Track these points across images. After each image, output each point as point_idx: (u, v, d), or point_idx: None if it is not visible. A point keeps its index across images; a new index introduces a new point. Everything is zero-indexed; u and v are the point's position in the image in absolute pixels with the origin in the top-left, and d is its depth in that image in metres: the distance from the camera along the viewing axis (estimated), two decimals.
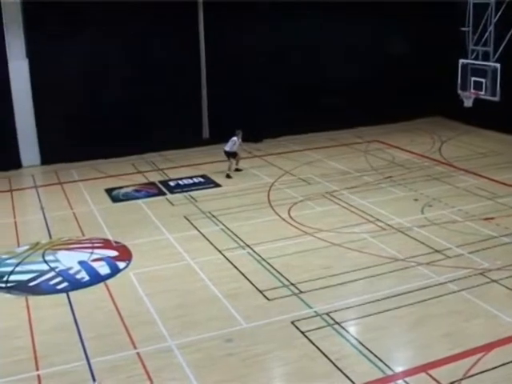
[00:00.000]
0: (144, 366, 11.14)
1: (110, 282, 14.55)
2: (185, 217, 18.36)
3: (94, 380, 10.85)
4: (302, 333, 11.97)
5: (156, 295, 13.71)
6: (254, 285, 13.99)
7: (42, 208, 20.04)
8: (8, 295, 14.26)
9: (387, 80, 28.78)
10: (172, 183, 21.92)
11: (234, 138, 22.48)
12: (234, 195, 20.14)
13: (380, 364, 10.94)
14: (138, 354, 11.54)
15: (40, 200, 21.04)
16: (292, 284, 13.95)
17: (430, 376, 10.56)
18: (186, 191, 20.90)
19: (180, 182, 21.92)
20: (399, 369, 10.93)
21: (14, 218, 19.33)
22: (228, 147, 22.55)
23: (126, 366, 11.20)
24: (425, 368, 10.80)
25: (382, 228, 16.96)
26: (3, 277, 15.12)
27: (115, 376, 10.93)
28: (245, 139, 23.96)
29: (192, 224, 17.78)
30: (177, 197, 20.41)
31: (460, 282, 13.83)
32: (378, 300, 13.12)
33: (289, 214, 18.21)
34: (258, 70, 26.51)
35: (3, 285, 14.74)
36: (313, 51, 27.22)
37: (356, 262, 14.99)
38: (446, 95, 27.00)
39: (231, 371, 10.93)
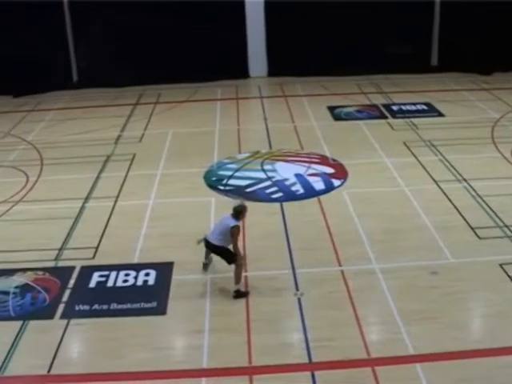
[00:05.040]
0: (346, 284, 11.40)
1: (323, 197, 14.87)
2: (404, 143, 18.16)
3: (296, 290, 11.27)
4: (510, 277, 11.60)
5: (366, 217, 13.83)
6: (466, 220, 13.67)
7: (265, 118, 20.66)
8: (225, 198, 15.03)
9: None
10: (395, 107, 21.66)
11: (230, 222, 11.13)
12: (456, 127, 19.52)
13: None
14: (341, 271, 11.81)
15: (264, 110, 21.67)
16: (506, 226, 13.44)
17: None
18: (408, 117, 20.58)
19: (403, 108, 21.59)
20: None
21: (238, 125, 20.15)
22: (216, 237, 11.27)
23: (329, 281, 11.52)
24: None
25: None
26: (222, 180, 15.92)
27: (318, 289, 11.29)
28: (473, 70, 22.79)
29: (410, 151, 17.57)
30: (398, 122, 20.19)
31: None
32: None
33: None
34: None
35: (222, 187, 15.53)
36: None
37: None
38: None
39: (431, 303, 10.88)
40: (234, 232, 10.98)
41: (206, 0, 24.43)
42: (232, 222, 11.01)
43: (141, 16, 24.57)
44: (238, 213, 11.14)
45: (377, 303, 10.94)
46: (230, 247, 11.13)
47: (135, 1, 24.44)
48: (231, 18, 25.01)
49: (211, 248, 11.34)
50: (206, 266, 11.93)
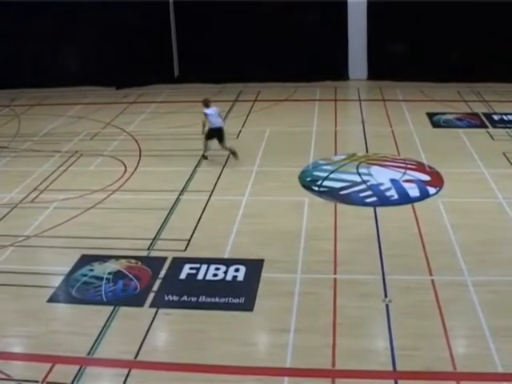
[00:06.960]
0: (436, 294, 11.18)
1: (417, 205, 14.64)
2: (503, 153, 17.65)
3: (385, 296, 11.16)
4: None
5: (461, 227, 13.51)
6: None
7: (363, 121, 20.53)
8: (319, 199, 15.03)
9: None
10: (496, 117, 21.10)
11: (214, 108, 17.48)
12: None
13: None
14: (432, 281, 11.59)
15: (362, 113, 21.54)
16: None
17: None
18: (510, 127, 20.01)
19: (504, 118, 21.00)
20: None
21: (335, 126, 20.11)
22: (221, 122, 17.61)
23: (419, 290, 11.33)
24: None
25: None
26: (317, 181, 15.92)
27: (406, 297, 11.13)
28: None
29: (510, 162, 17.05)
30: (499, 132, 19.65)
31: None
32: None
33: None
34: None
35: (316, 188, 15.52)
36: None
37: None
38: None
39: None
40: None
41: (309, 0, 24.50)
42: (214, 107, 17.25)
43: (242, 14, 24.93)
44: (208, 102, 17.18)
45: (466, 316, 10.68)
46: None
47: (238, 1, 24.78)
48: (333, 19, 25.00)
49: (222, 130, 17.13)
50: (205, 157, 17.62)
